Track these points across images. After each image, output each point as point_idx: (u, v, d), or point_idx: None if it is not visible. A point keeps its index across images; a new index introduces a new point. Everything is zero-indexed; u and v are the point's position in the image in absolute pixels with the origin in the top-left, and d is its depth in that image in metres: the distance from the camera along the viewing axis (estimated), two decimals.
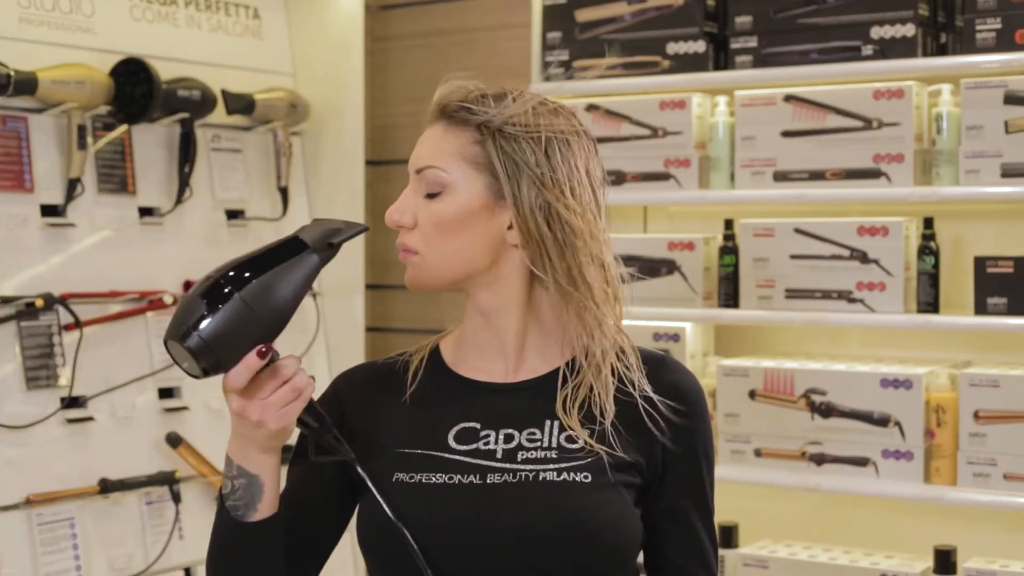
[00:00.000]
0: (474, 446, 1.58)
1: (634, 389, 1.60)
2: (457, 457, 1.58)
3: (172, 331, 1.45)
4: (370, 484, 1.54)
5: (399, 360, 1.70)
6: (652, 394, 1.60)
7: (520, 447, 1.58)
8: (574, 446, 1.57)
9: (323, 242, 1.55)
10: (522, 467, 1.56)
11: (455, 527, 1.53)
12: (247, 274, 1.46)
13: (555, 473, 1.55)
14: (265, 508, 1.54)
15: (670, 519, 1.63)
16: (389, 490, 1.56)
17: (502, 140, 1.59)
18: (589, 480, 1.55)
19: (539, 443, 1.58)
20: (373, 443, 1.61)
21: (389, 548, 1.55)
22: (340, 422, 1.63)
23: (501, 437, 1.59)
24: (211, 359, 1.44)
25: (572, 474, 1.55)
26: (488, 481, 1.55)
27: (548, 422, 1.59)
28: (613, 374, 1.61)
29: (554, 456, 1.57)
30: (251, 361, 1.46)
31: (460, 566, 1.53)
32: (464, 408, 1.61)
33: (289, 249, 1.51)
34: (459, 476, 1.56)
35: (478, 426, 1.60)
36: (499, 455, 1.57)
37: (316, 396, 1.59)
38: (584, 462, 1.56)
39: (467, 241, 1.59)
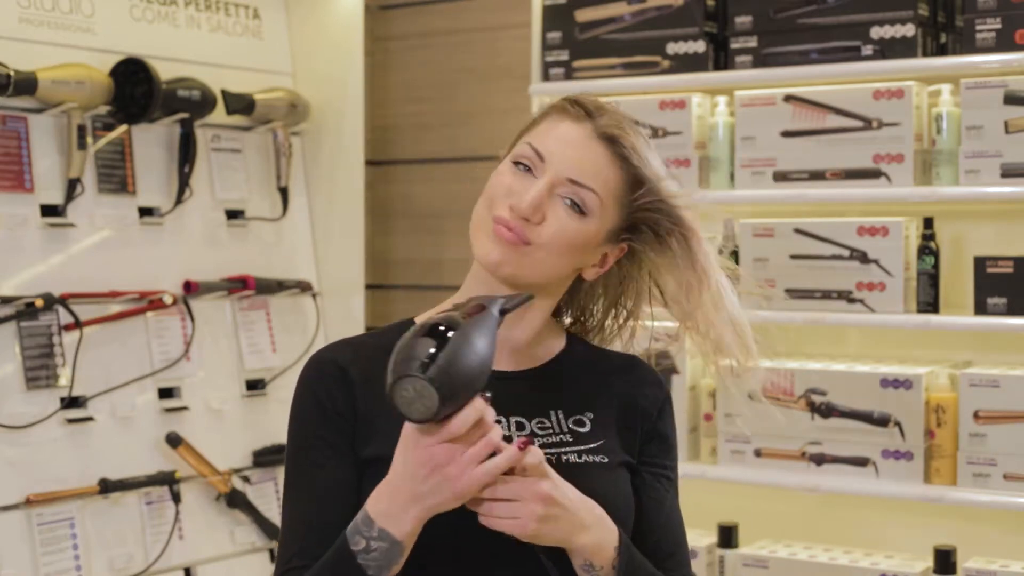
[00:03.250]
0: None
1: (616, 390, 1.69)
2: None
3: (403, 368, 1.40)
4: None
5: (382, 342, 1.65)
6: (632, 394, 1.69)
7: (534, 434, 1.62)
8: (584, 430, 1.63)
9: (499, 308, 1.52)
10: (542, 451, 1.58)
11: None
12: (450, 323, 1.43)
13: (576, 455, 1.60)
14: (398, 568, 1.49)
15: (648, 507, 1.67)
16: None
17: (661, 214, 1.64)
18: (606, 461, 1.61)
19: (551, 429, 1.62)
20: (378, 426, 1.59)
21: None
22: (351, 402, 1.59)
23: (512, 424, 1.62)
24: (452, 397, 1.40)
25: (591, 456, 1.61)
26: None
27: (552, 411, 1.64)
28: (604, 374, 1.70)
29: (569, 440, 1.62)
30: (478, 403, 1.43)
31: (480, 547, 1.53)
32: None
33: (477, 310, 1.49)
34: None
35: None
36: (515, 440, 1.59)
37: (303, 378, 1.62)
38: (597, 444, 1.62)
39: (572, 261, 1.63)
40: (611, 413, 1.66)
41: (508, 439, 1.59)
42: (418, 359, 1.40)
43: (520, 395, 1.63)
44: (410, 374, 1.39)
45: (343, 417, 1.59)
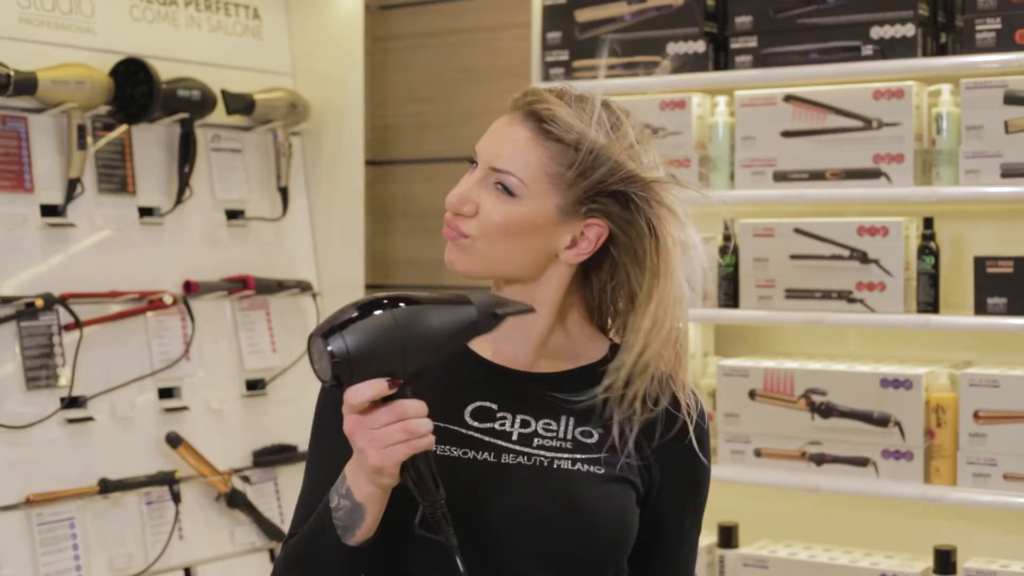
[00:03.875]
0: (490, 425, 1.61)
1: (645, 410, 1.63)
2: (473, 434, 1.60)
3: (320, 328, 1.44)
4: (461, 566, 1.49)
5: None
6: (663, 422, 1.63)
7: (536, 434, 1.61)
8: (589, 441, 1.61)
9: (487, 308, 1.51)
10: (537, 452, 1.59)
11: (465, 501, 1.54)
12: (405, 301, 1.45)
13: (569, 463, 1.59)
14: (362, 534, 1.51)
15: (657, 539, 1.65)
16: None
17: (608, 177, 1.59)
18: (602, 473, 1.59)
19: (554, 433, 1.61)
20: None
21: (395, 518, 1.54)
22: None
23: (518, 421, 1.61)
24: (345, 366, 1.41)
25: (586, 466, 1.59)
26: (502, 461, 1.58)
27: (564, 416, 1.62)
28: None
29: (569, 447, 1.60)
30: (378, 384, 1.43)
31: (462, 541, 1.52)
32: (482, 387, 1.63)
33: (453, 300, 1.49)
34: (474, 452, 1.59)
35: (495, 407, 1.62)
36: (515, 437, 1.60)
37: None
38: (598, 456, 1.60)
39: (522, 248, 1.60)
40: (627, 433, 1.61)
41: (508, 436, 1.59)
42: (332, 322, 1.43)
43: (531, 395, 1.63)
44: (318, 334, 1.43)
45: None
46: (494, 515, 1.55)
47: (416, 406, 1.45)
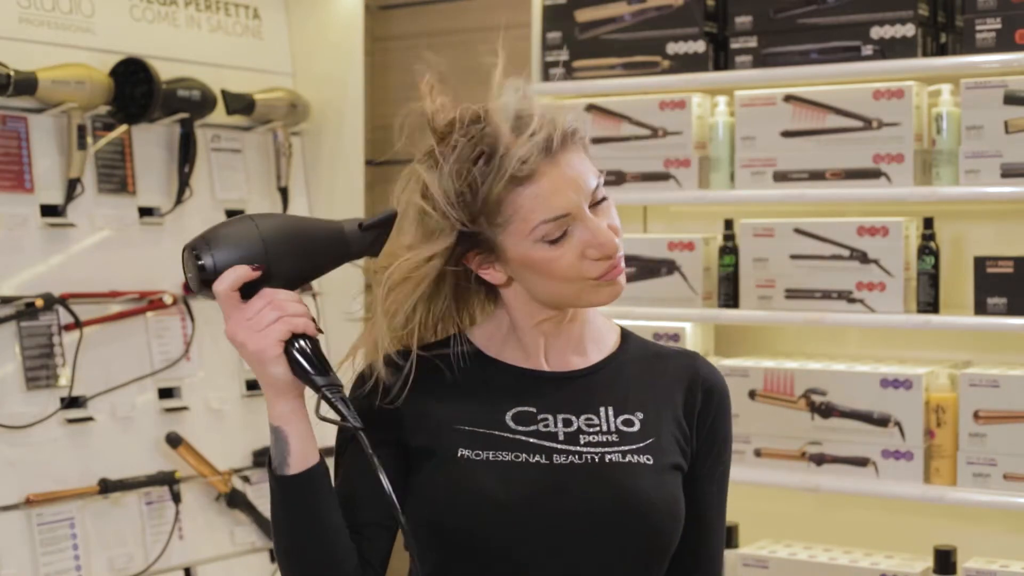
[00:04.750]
0: (534, 428, 1.61)
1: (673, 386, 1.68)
2: (520, 437, 1.60)
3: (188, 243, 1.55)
4: (370, 452, 1.49)
5: (427, 352, 1.68)
6: (688, 389, 1.68)
7: (580, 431, 1.62)
8: (632, 430, 1.63)
9: (353, 222, 1.63)
10: (586, 449, 1.60)
11: (523, 504, 1.56)
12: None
13: (620, 455, 1.60)
14: (295, 461, 1.53)
15: (692, 513, 1.67)
16: (453, 466, 1.58)
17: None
18: (651, 463, 1.61)
19: (598, 428, 1.62)
20: (428, 421, 1.61)
21: (454, 524, 1.55)
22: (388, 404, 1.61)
23: (560, 421, 1.62)
24: (208, 258, 1.53)
25: (636, 456, 1.61)
26: (554, 461, 1.59)
27: (603, 408, 1.64)
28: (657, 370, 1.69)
29: (615, 439, 1.61)
30: (239, 268, 1.52)
31: (522, 543, 1.55)
32: (518, 393, 1.63)
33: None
34: (525, 455, 1.59)
35: (534, 410, 1.63)
36: (561, 437, 1.61)
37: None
38: (644, 444, 1.62)
39: None
40: (664, 412, 1.65)
41: (555, 436, 1.61)
42: (199, 234, 1.56)
43: (567, 393, 1.64)
44: (186, 247, 1.56)
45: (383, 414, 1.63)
46: (553, 514, 1.56)
47: (286, 292, 1.53)
